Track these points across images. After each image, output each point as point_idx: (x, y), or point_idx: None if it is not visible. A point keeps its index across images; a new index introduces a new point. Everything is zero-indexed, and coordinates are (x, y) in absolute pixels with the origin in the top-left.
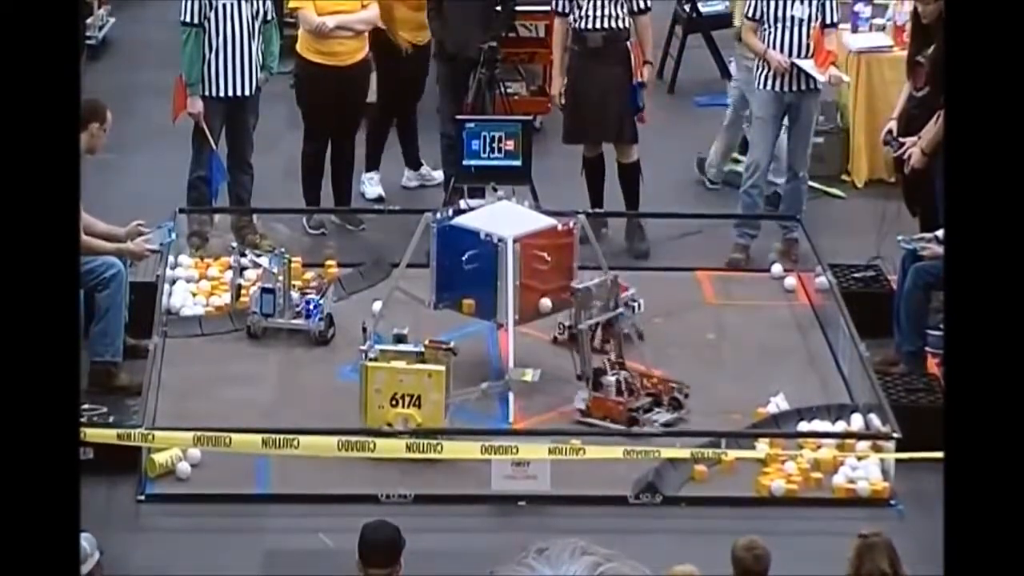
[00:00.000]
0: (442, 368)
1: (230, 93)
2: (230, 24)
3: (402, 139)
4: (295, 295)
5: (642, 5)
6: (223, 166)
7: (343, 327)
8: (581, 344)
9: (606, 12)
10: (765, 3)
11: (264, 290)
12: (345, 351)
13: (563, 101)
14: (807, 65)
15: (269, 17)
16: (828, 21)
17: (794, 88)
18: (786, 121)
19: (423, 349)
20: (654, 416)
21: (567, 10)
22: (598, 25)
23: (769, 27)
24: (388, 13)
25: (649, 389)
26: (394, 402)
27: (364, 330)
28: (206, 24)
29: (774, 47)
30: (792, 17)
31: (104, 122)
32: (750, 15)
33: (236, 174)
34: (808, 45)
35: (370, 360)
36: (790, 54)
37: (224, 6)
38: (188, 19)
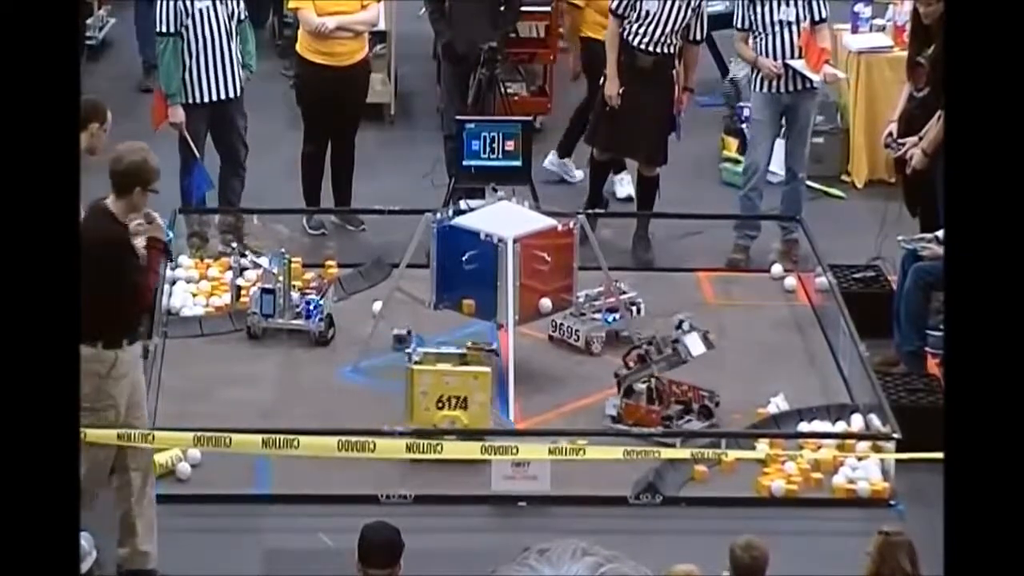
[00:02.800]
0: (488, 369)
1: (215, 97)
2: (208, 28)
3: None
4: (295, 295)
5: (699, 36)
6: (207, 175)
7: (343, 327)
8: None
9: (664, 39)
10: (752, 12)
11: (264, 290)
12: (345, 351)
13: (619, 103)
14: (799, 65)
15: (242, 17)
16: (816, 18)
17: (790, 89)
18: (783, 122)
19: (465, 351)
20: (685, 424)
21: (623, 13)
22: (651, 48)
23: (759, 34)
24: (580, 15)
25: (679, 397)
26: (440, 404)
27: (409, 333)
28: (184, 32)
29: (766, 53)
30: (780, 21)
31: (104, 122)
32: (739, 26)
33: (228, 177)
34: (799, 47)
35: (414, 363)
36: (783, 58)
37: (200, 11)
38: (164, 29)
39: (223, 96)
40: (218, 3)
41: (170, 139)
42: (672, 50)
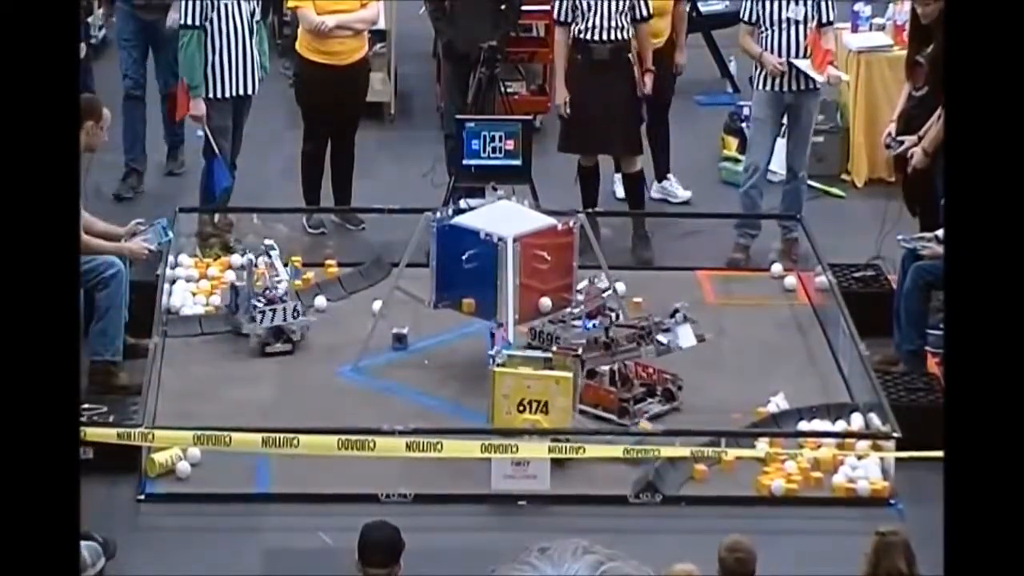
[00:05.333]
0: (569, 375)
1: (236, 92)
2: (232, 24)
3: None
4: (256, 298)
5: (644, 13)
6: (227, 170)
7: (343, 327)
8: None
9: (612, 23)
10: (760, 6)
11: (232, 287)
12: (345, 351)
13: (568, 111)
14: (804, 65)
15: (258, 17)
16: (824, 20)
17: (793, 88)
18: (785, 121)
19: (551, 355)
20: (645, 407)
21: (569, 19)
22: (604, 37)
23: (766, 30)
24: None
25: (644, 380)
26: (521, 408)
27: (492, 335)
28: (207, 26)
29: (771, 50)
30: (788, 19)
31: (100, 119)
32: (746, 19)
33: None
34: (806, 47)
35: (498, 365)
36: (787, 55)
37: (225, 6)
38: (189, 22)
39: (242, 92)
40: (242, 0)
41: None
42: (624, 35)
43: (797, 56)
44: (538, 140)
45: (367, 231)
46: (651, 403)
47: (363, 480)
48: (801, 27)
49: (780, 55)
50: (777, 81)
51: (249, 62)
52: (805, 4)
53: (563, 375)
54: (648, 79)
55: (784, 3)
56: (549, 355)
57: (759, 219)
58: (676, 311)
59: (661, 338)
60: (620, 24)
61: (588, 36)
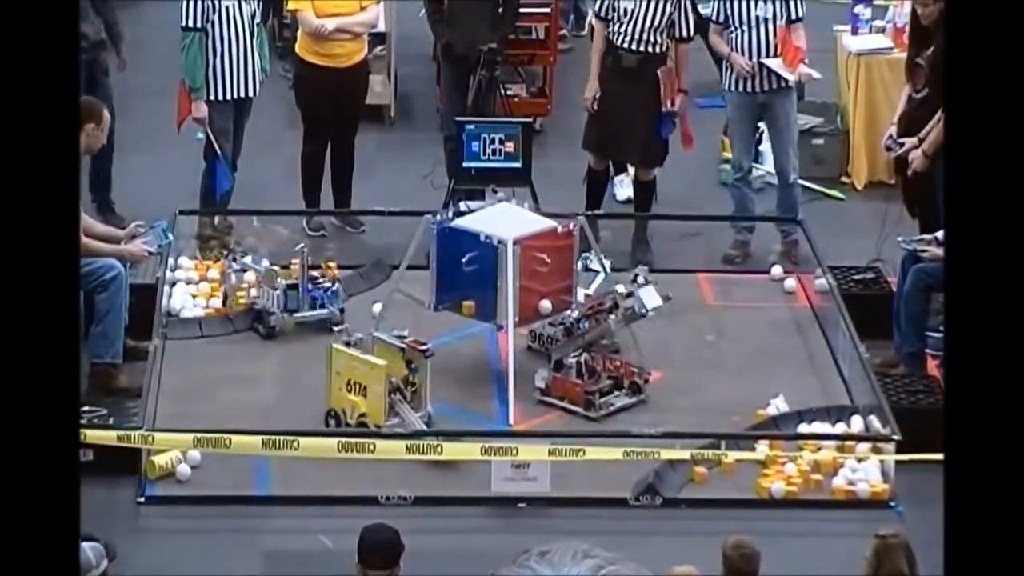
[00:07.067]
0: (383, 363)
1: (238, 94)
2: (233, 26)
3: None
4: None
5: (686, 34)
6: (228, 172)
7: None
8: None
9: (646, 37)
10: (729, 6)
11: (289, 287)
12: None
13: (596, 107)
14: (775, 64)
15: (259, 19)
16: (793, 16)
17: (764, 88)
18: (764, 124)
19: (404, 346)
20: (612, 399)
21: (607, 16)
22: (635, 47)
23: (735, 29)
24: None
25: (611, 372)
26: (349, 388)
27: (341, 311)
28: (209, 28)
29: (741, 50)
30: (756, 17)
31: (101, 122)
32: (715, 19)
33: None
34: (775, 45)
35: (346, 344)
36: (758, 55)
37: (227, 8)
38: (190, 24)
39: (243, 94)
40: (243, 2)
41: (184, 137)
42: (658, 49)
43: (767, 55)
44: (538, 142)
45: (367, 233)
46: (618, 396)
47: (363, 482)
48: (770, 25)
49: (750, 55)
50: (747, 82)
51: (250, 64)
52: (773, 2)
53: (377, 362)
54: (678, 99)
55: (752, 2)
56: (404, 345)
57: (758, 220)
58: (636, 276)
59: (627, 304)
60: (654, 39)
61: (619, 42)
